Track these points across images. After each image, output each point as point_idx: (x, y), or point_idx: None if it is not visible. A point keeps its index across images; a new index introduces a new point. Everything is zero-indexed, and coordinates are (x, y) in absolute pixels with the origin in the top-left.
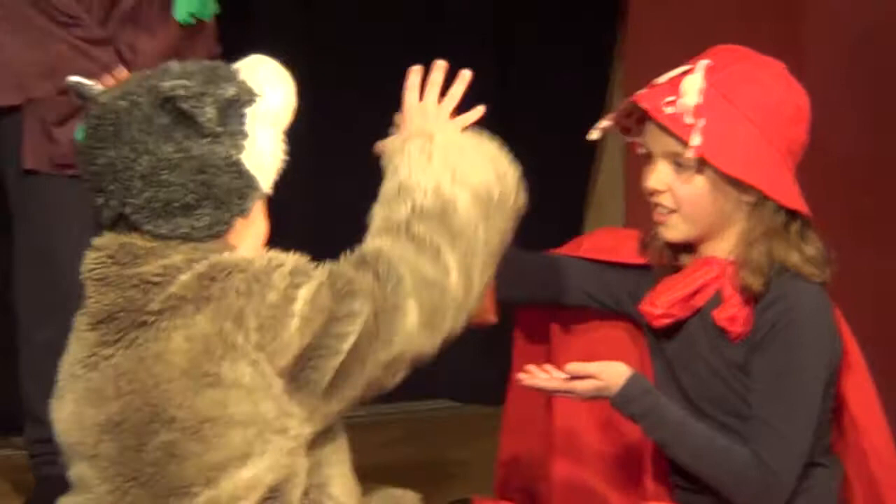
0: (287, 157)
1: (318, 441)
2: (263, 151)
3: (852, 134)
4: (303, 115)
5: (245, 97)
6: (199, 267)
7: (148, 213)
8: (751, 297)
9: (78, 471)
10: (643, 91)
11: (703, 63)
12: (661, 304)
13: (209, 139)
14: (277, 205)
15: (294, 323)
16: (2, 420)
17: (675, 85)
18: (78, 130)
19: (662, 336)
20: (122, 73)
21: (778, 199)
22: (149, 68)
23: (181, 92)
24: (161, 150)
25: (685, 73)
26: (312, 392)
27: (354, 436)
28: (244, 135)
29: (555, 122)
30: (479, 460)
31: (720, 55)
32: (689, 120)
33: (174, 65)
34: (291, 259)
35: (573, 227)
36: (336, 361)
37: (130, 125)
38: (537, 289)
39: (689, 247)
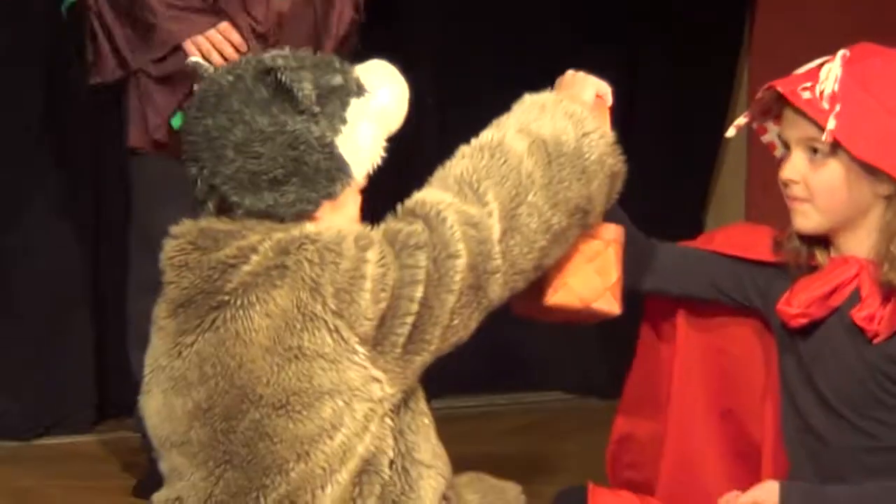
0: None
1: (398, 409)
2: (361, 143)
3: None
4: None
5: (352, 88)
6: (271, 242)
7: (236, 184)
8: (892, 295)
9: (170, 462)
10: (783, 79)
11: (841, 53)
12: (798, 303)
13: (305, 116)
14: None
15: (368, 286)
16: (117, 404)
17: (812, 74)
18: (175, 117)
19: (798, 336)
20: (229, 32)
21: None
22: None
23: (281, 63)
24: (256, 122)
25: (824, 62)
26: (393, 352)
27: (465, 426)
28: (343, 120)
29: (679, 118)
30: (590, 453)
31: (859, 48)
32: (825, 105)
33: (287, 50)
34: (352, 228)
35: (694, 223)
36: (411, 316)
37: (231, 96)
38: (667, 279)
39: (824, 243)
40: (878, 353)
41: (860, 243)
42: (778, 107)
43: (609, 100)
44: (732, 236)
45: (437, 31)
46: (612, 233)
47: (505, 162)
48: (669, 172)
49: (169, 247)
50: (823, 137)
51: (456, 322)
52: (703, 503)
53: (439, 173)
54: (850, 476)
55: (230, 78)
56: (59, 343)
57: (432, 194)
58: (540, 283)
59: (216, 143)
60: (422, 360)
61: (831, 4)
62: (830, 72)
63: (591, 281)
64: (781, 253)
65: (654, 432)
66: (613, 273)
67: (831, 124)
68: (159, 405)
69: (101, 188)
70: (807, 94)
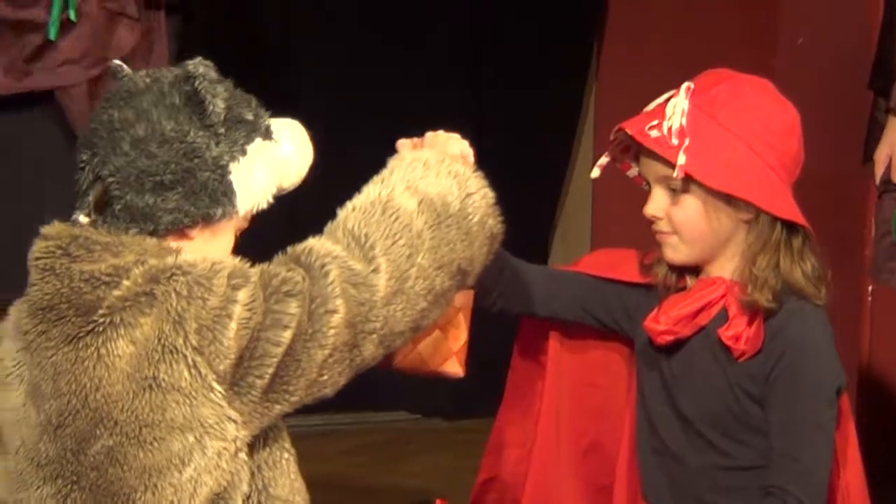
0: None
1: (257, 444)
2: (254, 181)
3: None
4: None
5: (260, 128)
6: (145, 269)
7: (122, 178)
8: (757, 315)
9: (17, 464)
10: (632, 119)
11: (686, 86)
12: (666, 320)
13: (208, 133)
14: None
15: (232, 326)
16: None
17: (659, 111)
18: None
19: (662, 354)
20: None
21: (770, 210)
22: None
23: (202, 70)
24: (161, 124)
25: (670, 96)
26: (251, 395)
27: (312, 444)
28: (243, 152)
29: (527, 150)
30: (433, 473)
31: (703, 78)
32: (674, 141)
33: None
34: (230, 262)
35: (541, 246)
36: (272, 363)
37: (144, 94)
38: (536, 301)
39: (693, 269)
40: (742, 371)
41: (726, 265)
42: (636, 144)
43: (471, 160)
44: (598, 259)
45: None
46: (462, 299)
47: (397, 219)
48: (516, 204)
49: (37, 247)
50: (675, 174)
51: (325, 377)
52: None
53: (331, 224)
54: (705, 495)
55: (147, 80)
56: None
57: (321, 244)
58: None
59: (116, 133)
60: (281, 408)
61: (671, 35)
62: (676, 106)
63: (440, 346)
64: (650, 275)
65: (520, 473)
66: (462, 337)
67: (681, 160)
68: (18, 404)
69: None
70: (655, 133)
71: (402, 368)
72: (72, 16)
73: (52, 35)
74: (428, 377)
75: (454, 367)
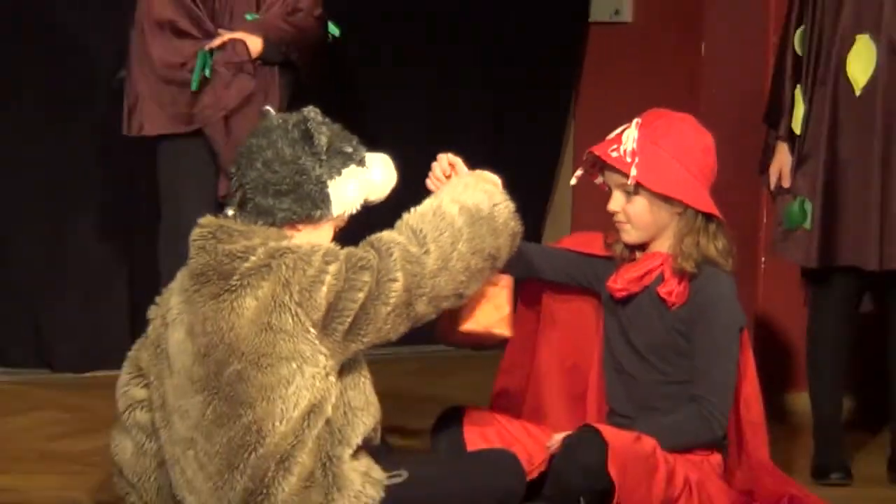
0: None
1: (342, 373)
2: (346, 194)
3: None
4: None
5: (355, 158)
6: (266, 249)
7: (254, 185)
8: (684, 278)
9: (174, 381)
10: (598, 144)
11: (636, 121)
12: (622, 282)
13: (314, 158)
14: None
15: (324, 289)
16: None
17: (617, 138)
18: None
19: (619, 305)
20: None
21: (694, 206)
22: None
23: (313, 115)
24: (284, 150)
25: (625, 128)
26: (335, 337)
27: (381, 367)
28: (339, 173)
29: (526, 164)
30: (469, 386)
31: (648, 115)
32: (628, 159)
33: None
34: (326, 245)
35: (536, 230)
36: (350, 315)
37: (275, 130)
38: (535, 269)
39: (641, 246)
40: (675, 316)
41: (664, 243)
42: (601, 161)
43: (497, 183)
44: (576, 240)
45: None
46: (505, 280)
47: (443, 219)
48: (519, 198)
49: (194, 232)
50: (629, 181)
51: (388, 326)
52: (549, 433)
53: (398, 222)
54: (652, 402)
55: (280, 120)
56: (108, 303)
57: (390, 234)
58: (455, 317)
59: (253, 155)
60: (356, 347)
61: (628, 84)
62: (629, 135)
63: (491, 314)
64: (611, 250)
65: (522, 387)
66: (506, 308)
67: (633, 172)
68: (180, 339)
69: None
70: (615, 153)
71: (465, 332)
72: (207, 73)
73: (195, 87)
74: (485, 341)
75: (503, 329)
